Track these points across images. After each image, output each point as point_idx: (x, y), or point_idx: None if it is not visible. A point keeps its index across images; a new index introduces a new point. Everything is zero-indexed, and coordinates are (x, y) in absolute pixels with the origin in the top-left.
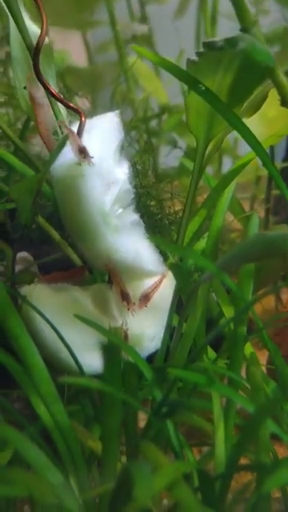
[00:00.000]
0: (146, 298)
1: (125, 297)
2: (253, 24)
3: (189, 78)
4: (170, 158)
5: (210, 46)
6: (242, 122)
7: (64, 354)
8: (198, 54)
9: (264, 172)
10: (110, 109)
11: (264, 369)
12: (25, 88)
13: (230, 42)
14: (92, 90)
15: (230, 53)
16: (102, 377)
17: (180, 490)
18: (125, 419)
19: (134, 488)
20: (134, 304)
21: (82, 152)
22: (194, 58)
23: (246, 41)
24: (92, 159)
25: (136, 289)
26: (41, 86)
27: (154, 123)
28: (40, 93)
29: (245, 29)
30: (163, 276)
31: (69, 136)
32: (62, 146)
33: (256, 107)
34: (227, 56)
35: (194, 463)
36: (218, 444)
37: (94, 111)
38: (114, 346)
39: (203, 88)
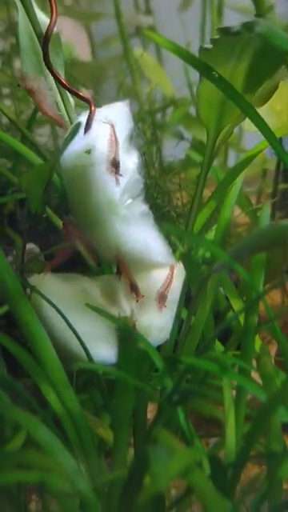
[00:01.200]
0: (162, 297)
1: (133, 288)
2: (268, 10)
3: (202, 65)
4: (175, 150)
5: (225, 31)
6: (255, 110)
7: (73, 343)
8: (212, 40)
9: (271, 165)
10: (116, 101)
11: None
12: (18, 86)
13: (247, 27)
14: (96, 84)
15: (244, 40)
16: (116, 363)
17: (195, 475)
18: (135, 410)
19: (151, 470)
20: (143, 296)
21: (115, 166)
22: (207, 45)
23: (262, 25)
24: (101, 149)
25: (144, 280)
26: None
27: (159, 116)
28: (36, 82)
29: (260, 14)
30: (173, 272)
31: (110, 146)
32: (73, 134)
33: (266, 97)
34: (240, 43)
35: (206, 451)
36: (229, 433)
37: (99, 104)
38: (129, 332)
39: (216, 75)
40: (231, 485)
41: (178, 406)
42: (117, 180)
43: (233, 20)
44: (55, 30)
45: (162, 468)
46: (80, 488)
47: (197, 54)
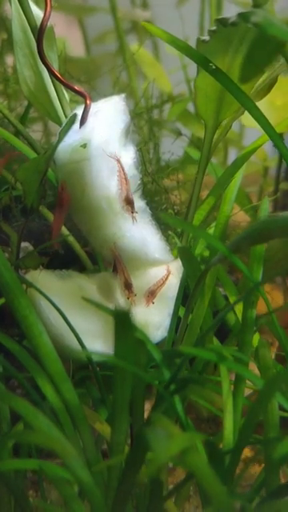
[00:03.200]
0: (152, 294)
1: (127, 286)
2: (265, 1)
3: (200, 56)
4: (173, 147)
5: (222, 22)
6: (253, 102)
7: (69, 338)
8: (210, 32)
9: (272, 163)
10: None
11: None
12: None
13: (244, 17)
14: (91, 80)
15: (241, 31)
16: (114, 350)
17: (193, 456)
18: (132, 399)
19: (151, 449)
20: (135, 295)
21: (129, 203)
22: (205, 37)
23: (259, 15)
24: (97, 143)
25: (141, 277)
26: None
27: (156, 112)
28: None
29: (257, 5)
30: (169, 272)
31: (120, 184)
32: (69, 125)
33: (265, 91)
34: (238, 35)
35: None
36: (227, 420)
37: (95, 100)
38: (127, 316)
39: (214, 67)
40: (228, 471)
41: (176, 394)
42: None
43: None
44: (49, 23)
45: (161, 446)
46: (79, 475)
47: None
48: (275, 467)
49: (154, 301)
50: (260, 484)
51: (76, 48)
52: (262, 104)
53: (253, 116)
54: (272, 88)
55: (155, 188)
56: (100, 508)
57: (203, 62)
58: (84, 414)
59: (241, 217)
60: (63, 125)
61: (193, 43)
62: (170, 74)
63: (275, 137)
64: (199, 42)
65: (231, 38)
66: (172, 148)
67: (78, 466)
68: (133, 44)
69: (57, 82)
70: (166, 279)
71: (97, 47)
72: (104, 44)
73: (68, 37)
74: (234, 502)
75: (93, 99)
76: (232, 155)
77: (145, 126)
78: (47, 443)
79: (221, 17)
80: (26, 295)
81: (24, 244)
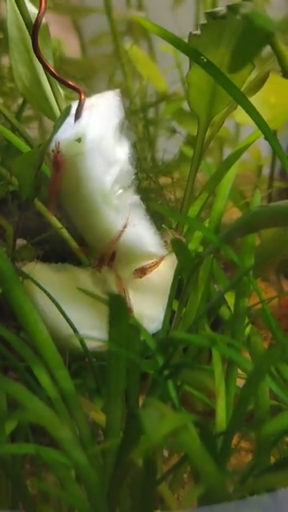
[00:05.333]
0: (142, 271)
1: (101, 260)
2: None
3: (191, 50)
4: (169, 146)
5: (212, 15)
6: (244, 96)
7: (65, 330)
8: (201, 25)
9: (265, 162)
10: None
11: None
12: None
13: (232, 9)
14: (86, 80)
15: (232, 26)
16: (108, 336)
17: (186, 436)
18: (126, 386)
19: (144, 429)
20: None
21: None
22: (196, 31)
23: (247, 7)
24: (92, 137)
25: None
26: None
27: (151, 112)
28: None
29: None
30: (163, 256)
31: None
32: (63, 119)
33: (257, 87)
34: (229, 29)
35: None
36: (219, 404)
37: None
38: (120, 302)
39: (205, 60)
40: (221, 454)
41: (170, 379)
42: (108, 169)
43: None
44: (43, 20)
45: (154, 426)
46: (76, 458)
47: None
48: (265, 448)
49: (150, 293)
50: (252, 466)
51: (72, 50)
52: (256, 101)
53: (244, 109)
54: (264, 83)
55: (150, 185)
56: (96, 491)
57: (194, 56)
58: (79, 401)
59: (234, 213)
60: (58, 118)
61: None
62: (165, 73)
63: (267, 130)
64: (191, 36)
65: (222, 32)
66: (167, 146)
67: (74, 450)
68: (128, 44)
69: (52, 79)
70: (160, 261)
71: (93, 49)
72: (100, 46)
73: (63, 37)
74: (225, 479)
75: (88, 96)
76: (227, 155)
77: (140, 125)
78: (45, 424)
79: (210, 10)
80: (22, 285)
81: (19, 241)
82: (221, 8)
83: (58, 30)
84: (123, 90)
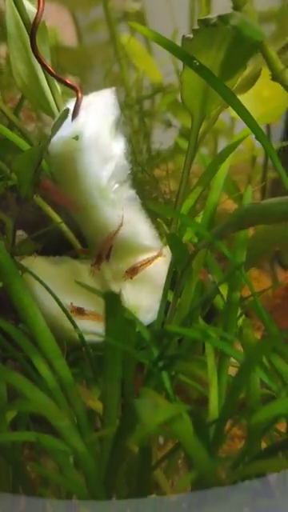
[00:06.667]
0: (133, 270)
1: (98, 259)
2: (244, 2)
3: (184, 54)
4: (164, 138)
5: (204, 22)
6: (236, 97)
7: (63, 322)
8: (193, 31)
9: (259, 153)
10: (103, 88)
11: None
12: None
13: (223, 19)
14: (82, 70)
15: (223, 30)
16: (105, 328)
17: (179, 424)
18: (122, 376)
19: (140, 416)
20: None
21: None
22: (189, 35)
23: (237, 18)
24: (89, 135)
25: (131, 264)
26: None
27: (147, 103)
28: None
29: (236, 6)
30: (157, 253)
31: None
32: (62, 120)
33: (249, 84)
34: (220, 33)
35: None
36: (212, 394)
37: (86, 91)
38: (116, 297)
39: (198, 64)
40: (215, 441)
41: (164, 370)
42: (104, 165)
43: (222, 5)
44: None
45: (149, 415)
46: (74, 445)
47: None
48: (256, 435)
49: (146, 285)
50: (243, 452)
51: (67, 34)
52: (249, 95)
53: (235, 110)
54: (256, 81)
55: (145, 177)
56: (94, 476)
57: (188, 59)
58: (77, 390)
59: (229, 205)
60: (56, 119)
61: (184, 33)
62: (161, 64)
63: (258, 131)
64: (184, 39)
65: (214, 36)
66: (162, 138)
67: (73, 438)
68: (124, 34)
69: (49, 75)
70: (153, 259)
71: (88, 35)
72: (95, 33)
73: (59, 23)
74: (216, 466)
75: (84, 91)
76: (222, 146)
77: (135, 117)
78: (45, 413)
79: (203, 17)
80: (22, 278)
81: (18, 233)
82: (212, 16)
83: (54, 18)
84: (119, 81)
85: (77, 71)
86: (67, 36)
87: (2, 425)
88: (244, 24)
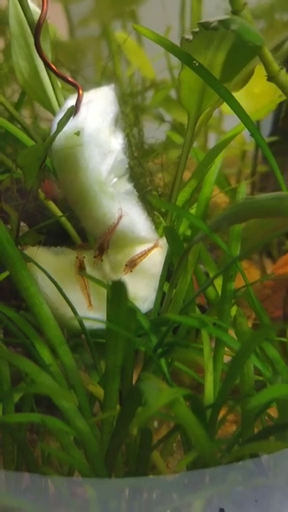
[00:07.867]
0: (131, 263)
1: (100, 249)
2: (242, 7)
3: (184, 54)
4: (156, 132)
5: (204, 25)
6: (232, 96)
7: (65, 310)
8: (193, 33)
9: (250, 147)
10: (97, 83)
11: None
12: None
13: (224, 23)
14: (74, 63)
15: (221, 32)
16: (107, 316)
17: (180, 407)
18: (123, 362)
19: (145, 399)
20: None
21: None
22: (188, 36)
23: (237, 23)
24: (90, 131)
25: (129, 255)
26: None
27: (139, 98)
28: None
29: (235, 11)
30: (153, 245)
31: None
32: (68, 117)
33: (243, 82)
34: (218, 35)
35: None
36: (208, 380)
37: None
38: (122, 287)
39: (197, 64)
40: (210, 425)
41: (163, 357)
42: (104, 160)
43: (212, 4)
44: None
45: (154, 397)
46: (77, 425)
47: (177, 39)
48: (249, 419)
49: (143, 276)
50: (237, 435)
51: (60, 28)
52: (240, 92)
53: (232, 108)
54: (249, 79)
55: (140, 171)
56: (96, 455)
57: (187, 60)
58: (79, 375)
59: (220, 198)
60: (61, 116)
61: (175, 30)
62: (154, 61)
63: (252, 127)
64: (183, 40)
65: (212, 37)
66: (154, 133)
67: (78, 419)
68: (117, 29)
69: (50, 72)
70: (149, 251)
71: (80, 29)
72: (88, 26)
73: (51, 17)
74: (214, 447)
75: (80, 83)
76: (212, 139)
77: (129, 112)
78: (51, 394)
79: (203, 21)
80: (27, 268)
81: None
82: (213, 20)
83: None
84: (113, 76)
85: (68, 63)
86: (59, 28)
87: (10, 406)
88: (244, 29)
